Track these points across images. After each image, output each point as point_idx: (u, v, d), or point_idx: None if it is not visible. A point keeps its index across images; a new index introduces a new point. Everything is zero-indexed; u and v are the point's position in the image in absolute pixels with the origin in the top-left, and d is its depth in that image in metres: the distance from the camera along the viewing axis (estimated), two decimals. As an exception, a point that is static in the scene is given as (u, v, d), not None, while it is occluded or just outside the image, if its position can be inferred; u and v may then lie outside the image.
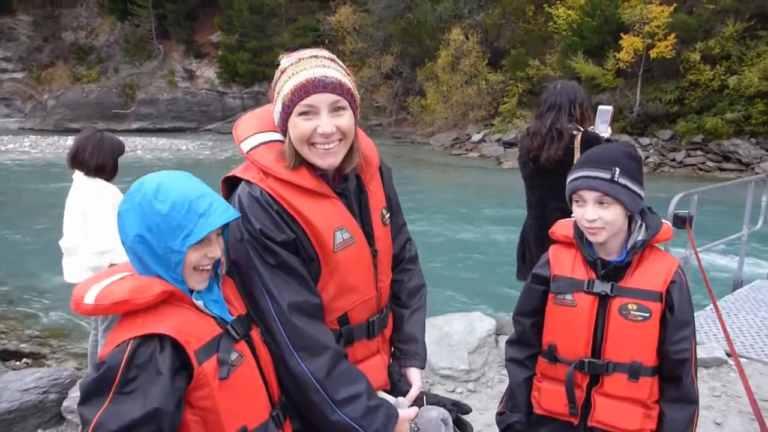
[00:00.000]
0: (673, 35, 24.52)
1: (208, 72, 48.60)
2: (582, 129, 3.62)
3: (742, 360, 4.88)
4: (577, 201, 2.04)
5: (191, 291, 1.58)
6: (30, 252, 11.26)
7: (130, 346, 1.42)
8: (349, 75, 1.74)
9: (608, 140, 3.59)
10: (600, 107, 3.67)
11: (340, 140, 1.70)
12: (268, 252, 1.68)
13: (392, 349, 2.06)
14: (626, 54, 25.46)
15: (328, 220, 1.74)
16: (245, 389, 1.60)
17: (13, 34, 52.92)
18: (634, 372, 2.00)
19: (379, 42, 39.08)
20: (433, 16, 37.54)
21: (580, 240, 2.09)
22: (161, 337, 1.45)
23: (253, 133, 1.78)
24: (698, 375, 4.46)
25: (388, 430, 1.76)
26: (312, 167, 1.73)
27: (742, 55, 24.36)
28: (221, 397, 1.52)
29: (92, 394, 1.41)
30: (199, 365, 1.49)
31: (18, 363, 6.38)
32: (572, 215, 2.12)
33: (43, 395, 4.05)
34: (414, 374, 2.01)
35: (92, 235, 3.86)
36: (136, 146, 32.53)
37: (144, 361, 1.41)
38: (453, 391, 4.23)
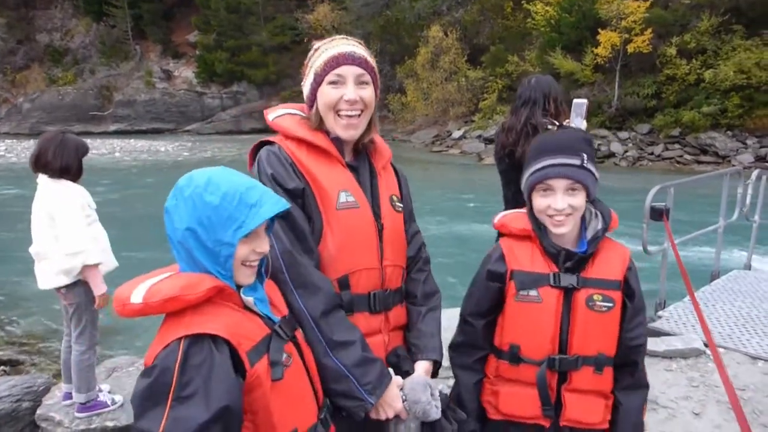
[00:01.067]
0: (649, 30, 24.80)
1: (186, 72, 48.27)
2: (557, 123, 3.62)
3: (720, 350, 4.92)
4: (544, 191, 1.94)
5: (239, 288, 1.56)
6: (6, 259, 11.07)
7: (182, 345, 1.37)
8: (372, 57, 1.94)
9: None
10: (575, 101, 3.67)
11: (362, 111, 1.88)
12: None
13: (407, 346, 2.05)
14: (604, 49, 25.71)
15: (335, 181, 1.87)
16: (295, 391, 1.59)
17: (-13, 37, 52.13)
18: (600, 364, 1.95)
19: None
20: (412, 13, 37.60)
21: (540, 231, 1.98)
22: (214, 338, 1.41)
23: (279, 109, 2.00)
24: (677, 366, 4.52)
25: (382, 385, 1.77)
26: (327, 134, 1.90)
27: (717, 49, 24.69)
28: (274, 398, 1.50)
29: (148, 404, 1.33)
30: (252, 366, 1.45)
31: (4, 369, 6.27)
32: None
33: (17, 403, 3.98)
34: (419, 366, 1.99)
35: (62, 238, 3.78)
36: (114, 148, 32.20)
37: (200, 362, 1.36)
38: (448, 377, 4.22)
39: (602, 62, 26.08)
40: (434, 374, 2.04)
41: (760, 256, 9.07)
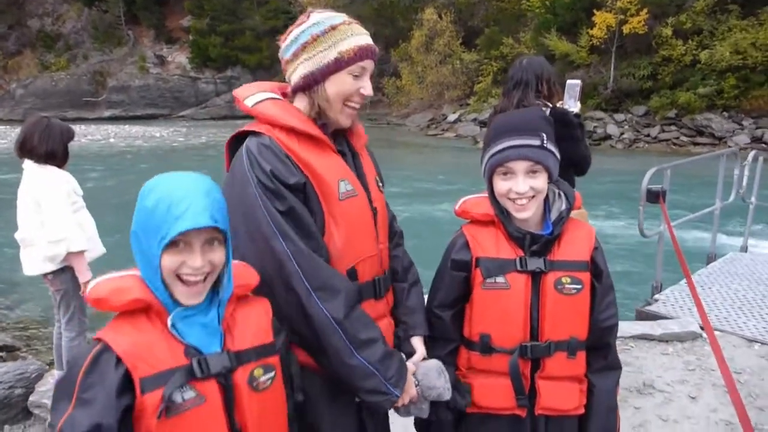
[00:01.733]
0: (645, 10, 24.66)
1: (179, 57, 47.90)
2: (550, 105, 3.57)
3: (716, 333, 4.91)
4: (504, 174, 1.86)
5: (177, 305, 1.43)
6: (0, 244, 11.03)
7: (96, 348, 1.35)
8: None
9: (577, 115, 3.54)
10: (568, 82, 3.61)
11: (362, 102, 1.85)
12: (276, 197, 1.67)
13: (396, 321, 2.02)
14: (599, 30, 25.57)
15: (333, 171, 1.78)
16: None
17: (-23, 23, 51.61)
18: (572, 348, 1.89)
19: (352, 23, 38.71)
20: (406, -5, 37.28)
21: (503, 215, 1.90)
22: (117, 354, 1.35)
23: (254, 92, 1.83)
24: (673, 349, 4.51)
25: (402, 378, 1.75)
26: (314, 121, 1.81)
27: (713, 29, 24.58)
28: None
29: (60, 395, 1.35)
30: (142, 395, 1.33)
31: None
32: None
33: (9, 390, 3.95)
34: (417, 342, 1.97)
35: (47, 224, 3.74)
36: (108, 134, 32.01)
37: (101, 371, 1.33)
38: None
39: (598, 43, 25.95)
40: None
41: (757, 239, 9.08)
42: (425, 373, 1.83)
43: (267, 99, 1.81)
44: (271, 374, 1.52)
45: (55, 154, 3.82)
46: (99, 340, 1.37)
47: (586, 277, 1.89)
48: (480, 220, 1.97)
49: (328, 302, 1.66)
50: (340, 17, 1.79)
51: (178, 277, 1.41)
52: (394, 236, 2.08)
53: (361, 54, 1.75)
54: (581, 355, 1.93)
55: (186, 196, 1.39)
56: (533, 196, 1.84)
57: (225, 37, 44.06)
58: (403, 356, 1.84)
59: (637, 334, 4.75)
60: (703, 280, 5.91)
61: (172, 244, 1.38)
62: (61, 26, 51.48)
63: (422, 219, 12.90)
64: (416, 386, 1.82)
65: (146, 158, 23.73)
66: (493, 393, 1.94)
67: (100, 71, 46.35)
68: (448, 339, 2.01)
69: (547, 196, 1.92)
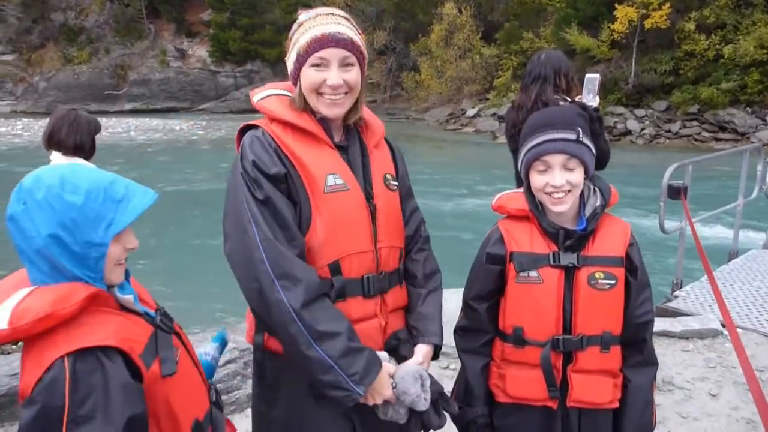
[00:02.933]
0: (667, 5, 24.35)
1: (200, 51, 48.14)
2: (569, 99, 3.55)
3: (738, 330, 4.87)
4: (540, 168, 1.90)
5: (110, 288, 1.46)
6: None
7: (66, 363, 1.25)
8: (360, 34, 1.85)
9: (596, 110, 3.52)
10: (587, 76, 3.60)
11: (347, 93, 1.81)
12: (256, 186, 1.73)
13: (408, 328, 2.02)
14: (621, 25, 25.29)
15: (322, 164, 1.81)
16: (189, 381, 1.56)
17: (2, 16, 52.16)
18: (606, 343, 1.93)
19: (371, 17, 38.65)
20: (426, -11, 37.15)
21: (537, 211, 1.95)
22: (103, 348, 1.30)
23: (264, 90, 1.94)
24: (694, 346, 4.48)
25: (369, 376, 1.71)
26: (314, 115, 1.85)
27: (737, 23, 24.23)
28: (172, 394, 1.45)
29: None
30: (148, 369, 1.38)
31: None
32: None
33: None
34: (420, 348, 1.95)
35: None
36: (129, 127, 32.31)
37: (92, 377, 1.26)
38: (447, 367, 4.21)
39: (619, 38, 25.67)
40: (434, 356, 2.01)
41: (779, 235, 8.96)
42: (402, 377, 1.79)
43: (271, 95, 1.90)
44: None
45: (83, 147, 3.87)
46: (64, 356, 1.27)
47: (620, 272, 1.91)
48: (515, 215, 2.01)
49: (288, 291, 1.67)
50: (314, 12, 1.83)
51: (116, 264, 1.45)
52: (418, 240, 2.06)
53: (314, 45, 1.76)
54: (615, 350, 1.96)
55: (115, 180, 1.42)
56: (569, 191, 1.87)
57: (245, 31, 44.18)
58: (379, 355, 1.81)
59: (658, 331, 4.72)
60: (725, 277, 5.85)
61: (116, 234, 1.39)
62: (84, 20, 51.93)
63: (438, 213, 12.90)
64: (393, 388, 1.79)
65: (166, 151, 23.93)
66: (526, 384, 1.98)
67: (121, 65, 46.74)
68: (482, 330, 2.07)
69: (582, 191, 1.95)
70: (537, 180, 1.91)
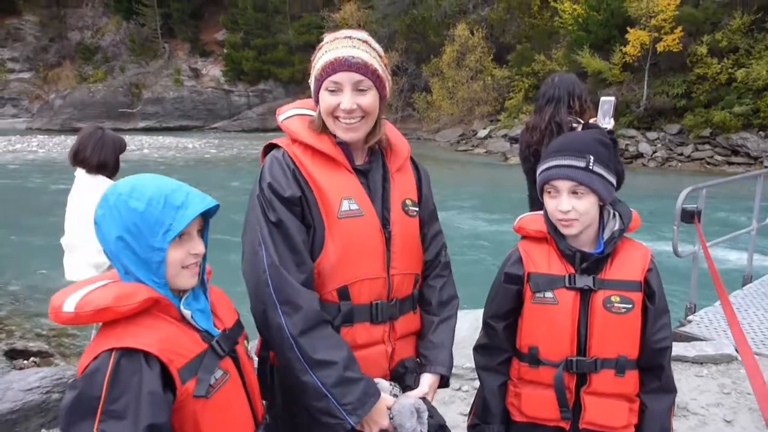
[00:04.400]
0: (679, 28, 24.37)
1: (213, 70, 48.70)
2: (582, 121, 3.57)
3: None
4: (549, 192, 1.95)
5: (179, 298, 1.52)
6: (37, 251, 11.28)
7: (113, 357, 1.34)
8: (380, 57, 1.85)
9: (611, 132, 3.53)
10: (602, 98, 3.61)
11: (362, 117, 1.81)
12: (270, 208, 1.76)
13: (417, 356, 2.02)
14: (633, 48, 25.33)
15: (338, 188, 1.81)
16: (229, 409, 1.53)
17: (20, 35, 53.14)
18: (621, 367, 1.92)
19: (383, 38, 38.88)
20: (438, 11, 37.47)
21: (555, 233, 1.97)
22: (147, 353, 1.37)
23: (290, 109, 1.95)
24: (708, 371, 4.43)
25: (364, 407, 1.72)
26: (333, 136, 1.85)
27: (749, 47, 24.21)
28: (204, 416, 1.45)
29: (76, 417, 1.31)
30: (183, 384, 1.41)
31: (26, 362, 6.39)
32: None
33: (46, 395, 4.04)
34: (424, 379, 1.95)
35: (93, 232, 3.83)
36: (142, 145, 32.60)
37: (130, 377, 1.33)
38: (459, 389, 4.19)
39: (631, 61, 25.71)
40: (443, 385, 2.01)
41: (794, 260, 8.88)
42: (398, 410, 1.78)
43: (295, 115, 1.92)
44: (249, 344, 1.71)
45: (107, 165, 3.92)
46: (112, 350, 1.35)
47: (637, 297, 1.92)
48: (534, 236, 2.04)
49: (289, 317, 1.71)
50: (334, 35, 1.84)
51: (182, 268, 1.50)
52: (437, 266, 2.06)
53: (327, 69, 1.77)
54: (631, 375, 1.96)
55: (178, 188, 1.50)
56: (576, 219, 1.90)
57: (258, 51, 44.68)
58: (380, 385, 1.81)
59: (672, 356, 4.68)
60: (739, 302, 5.80)
61: (177, 238, 1.46)
62: (100, 39, 52.80)
63: (446, 234, 12.89)
64: (390, 419, 1.79)
65: (179, 169, 24.10)
66: (539, 403, 1.99)
67: (135, 83, 47.32)
68: (500, 349, 2.09)
69: (602, 215, 1.97)
70: (548, 203, 1.96)
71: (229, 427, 1.53)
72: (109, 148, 3.93)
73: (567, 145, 1.95)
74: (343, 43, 1.80)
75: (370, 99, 1.81)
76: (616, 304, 1.90)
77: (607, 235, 1.97)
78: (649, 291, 1.94)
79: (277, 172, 1.79)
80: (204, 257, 1.59)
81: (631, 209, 2.02)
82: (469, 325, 4.58)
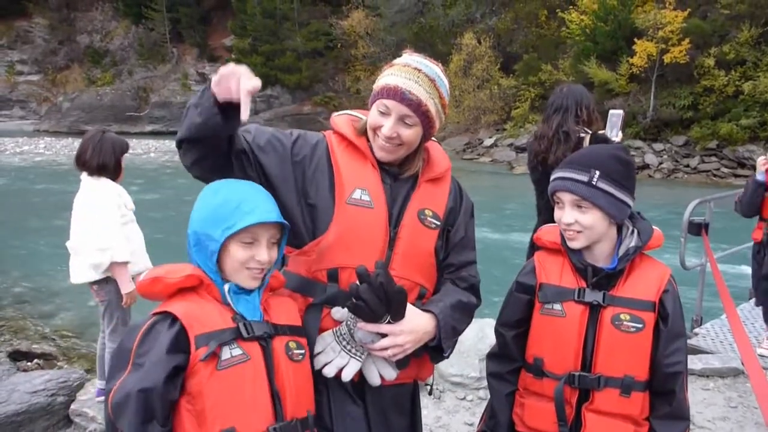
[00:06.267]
0: (687, 40, 24.40)
1: (221, 75, 48.82)
2: (590, 131, 3.58)
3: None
4: (557, 203, 1.96)
5: (226, 282, 1.65)
6: (43, 253, 11.32)
7: (151, 319, 1.55)
8: (440, 98, 1.87)
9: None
10: (611, 111, 3.63)
11: (399, 145, 1.85)
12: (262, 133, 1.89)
13: None
14: (640, 59, 25.35)
15: (356, 177, 1.87)
16: (239, 390, 1.54)
17: (29, 37, 53.33)
18: (627, 387, 1.87)
19: (391, 46, 39.03)
20: (446, 20, 37.57)
21: (568, 246, 1.95)
22: (172, 317, 1.53)
23: (346, 111, 2.08)
24: (714, 385, 4.42)
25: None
26: (365, 138, 1.93)
27: (757, 60, 24.22)
28: (209, 387, 1.51)
29: (116, 366, 1.53)
30: (196, 349, 1.51)
31: (29, 364, 6.40)
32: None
33: (51, 398, 4.05)
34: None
35: (95, 233, 3.85)
36: (149, 148, 32.67)
37: (156, 336, 1.51)
38: (464, 398, 4.18)
39: (638, 72, 25.72)
40: (435, 354, 1.92)
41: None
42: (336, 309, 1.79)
43: (344, 114, 2.03)
44: (303, 351, 1.71)
45: (107, 167, 3.94)
46: (155, 314, 1.56)
47: (649, 317, 1.88)
48: (549, 247, 2.04)
49: None
50: (404, 60, 1.88)
51: (245, 268, 1.64)
52: (446, 281, 1.99)
53: (381, 93, 1.83)
54: (638, 396, 1.90)
55: (254, 197, 1.66)
56: (580, 231, 1.88)
57: (266, 57, 44.77)
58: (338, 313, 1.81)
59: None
60: (746, 315, 5.78)
61: (245, 241, 1.62)
62: (109, 42, 52.94)
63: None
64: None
65: (185, 173, 23.93)
66: (540, 416, 1.97)
67: (143, 87, 47.45)
68: (510, 357, 2.08)
69: (620, 230, 1.95)
70: (556, 213, 1.96)
71: (236, 409, 1.53)
72: (108, 150, 3.94)
73: (577, 158, 1.94)
74: (406, 71, 1.83)
75: (412, 133, 1.84)
76: (625, 322, 1.86)
77: (622, 251, 1.93)
78: (664, 312, 1.89)
79: (307, 138, 1.93)
80: (274, 266, 1.72)
81: (654, 227, 1.97)
82: (474, 334, 4.58)
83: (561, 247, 1.98)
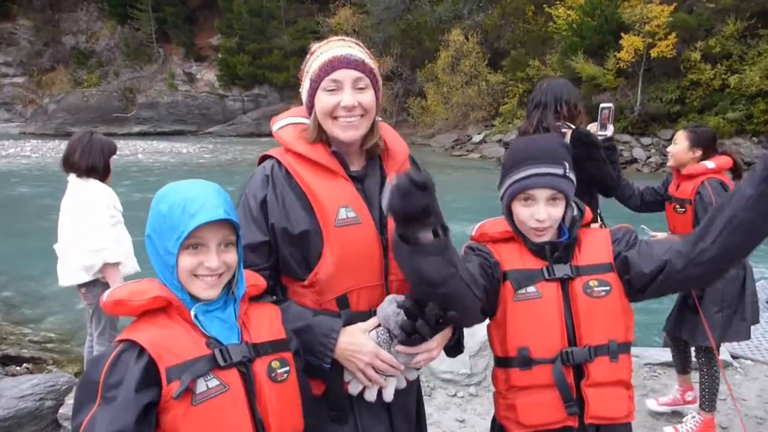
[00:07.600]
0: (673, 34, 24.49)
1: (208, 75, 48.65)
2: (572, 127, 3.57)
3: (747, 362, 4.84)
4: (525, 200, 1.92)
5: (196, 303, 1.53)
6: (31, 256, 11.20)
7: (117, 348, 1.42)
8: (372, 58, 1.87)
9: (609, 139, 3.54)
10: (601, 105, 3.63)
11: (362, 116, 1.81)
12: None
13: None
14: (627, 54, 25.43)
15: (335, 197, 1.81)
16: (221, 423, 1.43)
17: (14, 39, 52.91)
18: (613, 352, 1.88)
19: (378, 44, 38.98)
20: (433, 17, 37.55)
21: (522, 234, 1.96)
22: (141, 348, 1.41)
23: (284, 118, 1.96)
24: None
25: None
26: (328, 145, 1.85)
27: (743, 54, 24.33)
28: (184, 425, 1.39)
29: (84, 396, 1.40)
30: (168, 384, 1.39)
31: (18, 368, 6.34)
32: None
33: (39, 402, 4.01)
34: None
35: (86, 235, 3.82)
36: (137, 150, 32.52)
37: (123, 368, 1.39)
38: (454, 395, 4.18)
39: (625, 67, 25.82)
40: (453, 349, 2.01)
41: (787, 266, 8.90)
42: (383, 316, 1.76)
43: (288, 124, 1.92)
44: (287, 368, 1.59)
45: (96, 169, 3.92)
46: (120, 341, 1.44)
47: (612, 278, 1.91)
48: (500, 238, 2.01)
49: None
50: (324, 41, 1.87)
51: (195, 276, 1.52)
52: None
53: (325, 68, 1.78)
54: (624, 359, 1.92)
55: (199, 196, 1.51)
56: (551, 226, 1.91)
57: (253, 56, 44.67)
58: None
59: (666, 361, 4.68)
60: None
61: (190, 246, 1.49)
62: (95, 43, 52.65)
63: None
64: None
65: (173, 174, 24.03)
66: (539, 408, 1.90)
67: (130, 88, 47.21)
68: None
69: None
70: (522, 212, 1.93)
71: None
72: (97, 151, 3.93)
73: (542, 153, 1.91)
74: (338, 44, 1.83)
75: (369, 97, 1.82)
76: (595, 288, 1.88)
77: (568, 222, 1.97)
78: (623, 268, 1.90)
79: (257, 187, 1.85)
80: (238, 272, 1.59)
81: (584, 204, 2.06)
82: (464, 331, 4.57)
83: (514, 235, 1.98)
